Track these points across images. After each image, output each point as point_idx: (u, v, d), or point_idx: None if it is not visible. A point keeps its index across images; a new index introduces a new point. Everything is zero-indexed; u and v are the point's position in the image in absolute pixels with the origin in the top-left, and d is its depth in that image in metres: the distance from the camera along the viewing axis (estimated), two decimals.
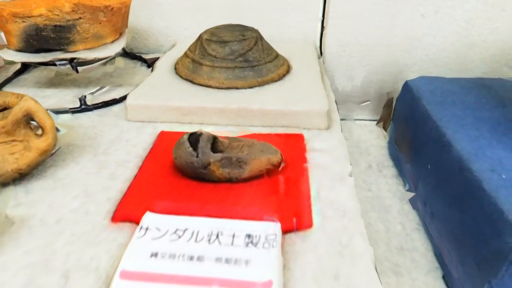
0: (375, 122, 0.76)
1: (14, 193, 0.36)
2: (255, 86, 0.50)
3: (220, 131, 0.45)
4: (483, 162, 0.40)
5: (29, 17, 0.48)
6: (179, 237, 0.28)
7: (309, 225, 0.32)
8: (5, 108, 0.37)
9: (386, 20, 0.67)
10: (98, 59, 0.52)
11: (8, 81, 0.60)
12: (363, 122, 0.76)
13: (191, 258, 0.27)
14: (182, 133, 0.45)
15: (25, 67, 0.64)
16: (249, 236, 0.29)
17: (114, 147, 0.43)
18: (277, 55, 0.55)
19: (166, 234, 0.29)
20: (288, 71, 0.55)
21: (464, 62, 0.70)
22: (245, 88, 0.50)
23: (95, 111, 0.52)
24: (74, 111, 0.51)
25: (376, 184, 0.59)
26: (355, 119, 0.77)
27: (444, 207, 0.45)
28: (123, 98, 0.53)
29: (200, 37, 0.54)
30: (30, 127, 0.37)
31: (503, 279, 0.34)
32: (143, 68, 0.65)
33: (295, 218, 0.33)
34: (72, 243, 0.31)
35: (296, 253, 0.30)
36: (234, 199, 0.34)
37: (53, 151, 0.41)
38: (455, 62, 0.70)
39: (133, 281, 0.25)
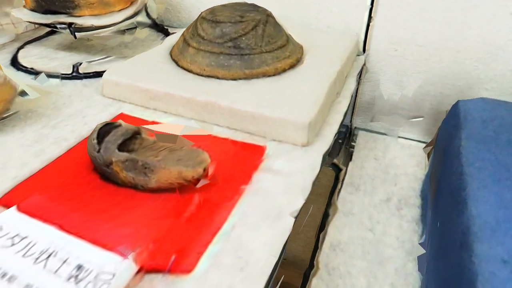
0: (424, 145, 0.60)
1: None
2: (240, 79, 0.42)
3: (175, 125, 0.39)
4: (496, 246, 0.26)
5: None
6: (12, 244, 0.24)
7: (189, 269, 0.25)
8: None
9: (457, 17, 0.51)
10: (95, 26, 0.50)
11: (38, 39, 0.62)
12: (407, 142, 0.61)
13: (3, 275, 0.22)
14: (141, 120, 0.40)
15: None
16: (79, 267, 0.22)
17: (67, 121, 0.41)
18: (285, 45, 0.46)
19: (3, 237, 0.24)
20: (293, 65, 0.45)
21: None
22: (227, 79, 0.42)
23: (84, 80, 0.50)
24: (64, 77, 0.50)
25: (383, 225, 0.46)
26: (399, 137, 0.62)
27: (437, 285, 0.32)
28: None
29: (200, 14, 0.47)
30: None
31: None
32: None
33: (175, 255, 0.25)
34: None
35: None
36: (121, 211, 0.28)
37: (5, 115, 0.40)
38: None
39: None
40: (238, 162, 0.34)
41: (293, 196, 0.31)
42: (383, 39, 0.56)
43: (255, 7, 0.47)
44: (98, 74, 0.50)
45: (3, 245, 0.24)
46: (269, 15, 0.45)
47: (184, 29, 0.49)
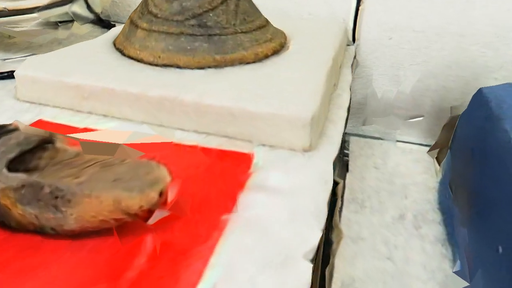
0: (427, 148, 0.51)
1: None
2: (209, 67, 0.31)
3: (118, 132, 0.27)
4: None
5: None
6: None
7: None
8: None
9: None
10: (7, 10, 0.37)
11: None
12: (408, 146, 0.52)
13: None
14: (68, 127, 0.28)
15: None
16: None
17: None
18: (265, 26, 0.35)
19: None
20: (277, 51, 0.35)
21: None
22: (191, 68, 0.31)
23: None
24: None
25: (404, 250, 0.36)
26: (397, 141, 0.53)
27: None
28: None
29: None
30: None
31: None
32: None
33: None
34: None
35: None
36: (17, 277, 0.15)
37: None
38: None
39: None
40: (215, 179, 0.22)
41: (303, 226, 0.20)
42: (375, 26, 0.48)
43: None
44: (9, 76, 0.37)
45: None
46: None
47: None
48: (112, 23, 0.55)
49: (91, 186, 0.17)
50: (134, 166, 0.19)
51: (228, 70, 0.31)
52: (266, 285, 0.17)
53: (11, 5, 0.37)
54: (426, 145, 0.52)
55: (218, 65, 0.31)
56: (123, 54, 0.34)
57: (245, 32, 0.33)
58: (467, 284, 0.31)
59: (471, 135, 0.36)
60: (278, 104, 0.26)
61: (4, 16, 0.37)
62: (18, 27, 0.42)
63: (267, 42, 0.34)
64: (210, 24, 0.32)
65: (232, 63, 0.32)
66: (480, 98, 0.36)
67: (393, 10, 0.46)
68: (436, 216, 0.41)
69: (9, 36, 0.48)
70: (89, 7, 0.52)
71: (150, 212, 0.18)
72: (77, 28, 0.50)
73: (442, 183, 0.43)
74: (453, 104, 0.49)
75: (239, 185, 0.22)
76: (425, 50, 0.47)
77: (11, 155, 0.18)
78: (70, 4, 0.45)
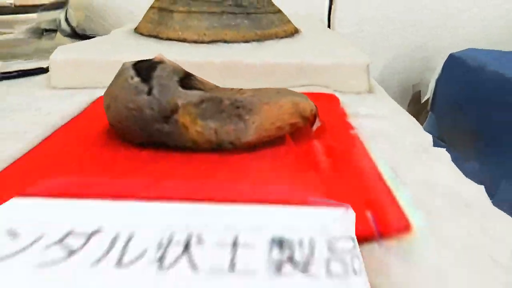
0: None
1: None
2: (253, 40, 0.34)
3: None
4: None
5: None
6: (70, 252, 0.10)
7: (404, 226, 0.14)
8: None
9: None
10: (14, 5, 0.35)
11: None
12: None
13: None
14: None
15: None
16: (280, 243, 0.10)
17: (13, 116, 0.25)
18: (280, 10, 0.39)
19: (35, 243, 0.10)
20: (296, 31, 0.39)
21: (507, 43, 0.56)
22: (238, 42, 0.33)
23: (4, 81, 0.33)
24: None
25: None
26: None
27: None
28: None
29: None
30: None
31: None
32: None
33: (369, 212, 0.14)
34: None
35: (397, 282, 0.11)
36: (228, 187, 0.15)
37: None
38: (496, 46, 0.56)
39: None
40: (322, 109, 0.24)
41: (416, 133, 0.24)
42: (347, 21, 0.55)
43: None
44: (26, 73, 0.34)
45: (52, 259, 0.09)
46: None
47: None
48: (90, 35, 0.53)
49: (265, 98, 0.18)
50: (277, 88, 0.20)
51: (268, 43, 0.34)
52: (420, 166, 0.20)
53: (17, 1, 0.35)
54: None
55: (259, 39, 0.34)
56: (159, 38, 0.34)
57: (272, 13, 0.36)
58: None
59: (455, 90, 0.44)
60: (339, 57, 0.30)
61: (7, 13, 0.35)
62: (3, 33, 0.39)
63: (288, 23, 0.38)
64: (245, 4, 0.35)
65: (270, 37, 0.35)
66: (454, 60, 0.45)
67: (362, 5, 0.55)
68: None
69: None
70: (67, 19, 0.50)
71: (314, 118, 0.20)
72: (60, 38, 0.48)
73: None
74: (415, 82, 0.59)
75: (343, 114, 0.25)
76: (389, 38, 0.56)
77: (176, 77, 0.18)
78: (60, 10, 0.43)
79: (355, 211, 0.13)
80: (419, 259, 0.13)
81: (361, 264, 0.10)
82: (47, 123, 0.23)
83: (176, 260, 0.09)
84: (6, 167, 0.17)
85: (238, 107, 0.18)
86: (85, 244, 0.09)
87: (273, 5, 0.38)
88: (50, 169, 0.16)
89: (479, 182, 0.39)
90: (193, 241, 0.10)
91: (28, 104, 0.27)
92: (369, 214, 0.14)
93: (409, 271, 0.12)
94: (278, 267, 0.09)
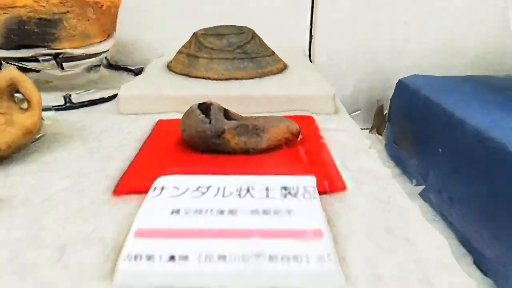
0: (367, 130, 0.75)
1: None
2: (256, 77, 0.48)
3: None
4: (502, 130, 0.39)
5: (12, 7, 0.45)
6: (203, 193, 0.24)
7: (343, 187, 0.29)
8: None
9: (372, 28, 0.70)
10: (86, 54, 0.49)
11: None
12: None
13: (221, 212, 0.22)
14: None
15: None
16: (285, 188, 0.24)
17: (106, 134, 0.39)
18: (273, 52, 0.54)
19: (187, 191, 0.24)
20: (285, 67, 0.54)
21: (448, 67, 0.72)
22: (246, 79, 0.48)
23: (81, 109, 0.47)
24: (57, 108, 0.46)
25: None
26: None
27: (465, 188, 0.42)
28: (113, 97, 0.49)
29: (194, 33, 0.52)
30: (14, 101, 0.32)
31: None
32: (131, 77, 0.62)
33: (326, 181, 0.29)
34: (67, 219, 0.25)
35: (336, 212, 0.26)
36: (255, 169, 0.30)
37: (37, 137, 0.36)
38: (440, 68, 0.72)
39: (153, 239, 0.20)
40: (301, 127, 0.39)
41: (360, 140, 0.38)
42: (324, 52, 0.71)
43: (238, 26, 0.54)
44: (94, 102, 0.48)
45: (195, 196, 0.24)
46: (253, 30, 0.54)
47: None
48: (121, 66, 0.67)
49: (271, 123, 0.33)
50: (276, 116, 0.35)
51: (266, 79, 0.49)
52: (357, 159, 0.34)
53: (87, 51, 0.49)
54: (365, 129, 0.76)
55: (259, 76, 0.49)
56: (189, 76, 0.48)
57: (268, 56, 0.51)
58: (424, 186, 0.52)
59: (401, 107, 0.60)
60: (314, 89, 0.45)
61: (80, 59, 0.49)
62: (65, 71, 0.52)
63: (280, 62, 0.53)
64: (249, 51, 0.49)
65: (267, 75, 0.49)
66: (401, 84, 0.60)
67: (334, 41, 0.70)
68: (391, 164, 0.63)
69: (46, 81, 0.57)
70: None
71: (298, 133, 0.34)
72: (103, 71, 0.62)
73: (386, 145, 0.66)
74: (378, 98, 0.74)
75: (316, 129, 0.40)
76: (356, 64, 0.72)
77: (221, 113, 0.32)
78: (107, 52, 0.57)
79: (317, 180, 0.28)
80: (349, 203, 0.27)
81: (317, 196, 0.24)
82: (133, 138, 0.37)
83: (245, 195, 0.24)
84: (130, 165, 0.31)
85: (257, 129, 0.32)
86: (207, 191, 0.24)
87: (268, 48, 0.53)
88: (160, 164, 0.30)
89: (418, 173, 0.54)
90: (245, 188, 0.24)
91: (110, 126, 0.41)
92: (325, 182, 0.29)
93: (344, 208, 0.27)
94: (285, 195, 0.23)
